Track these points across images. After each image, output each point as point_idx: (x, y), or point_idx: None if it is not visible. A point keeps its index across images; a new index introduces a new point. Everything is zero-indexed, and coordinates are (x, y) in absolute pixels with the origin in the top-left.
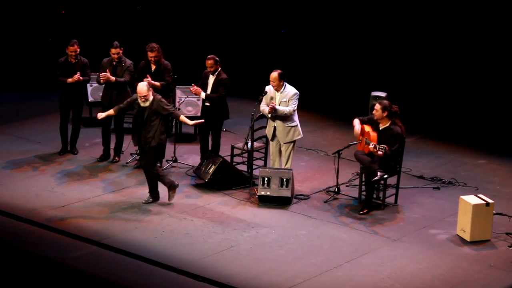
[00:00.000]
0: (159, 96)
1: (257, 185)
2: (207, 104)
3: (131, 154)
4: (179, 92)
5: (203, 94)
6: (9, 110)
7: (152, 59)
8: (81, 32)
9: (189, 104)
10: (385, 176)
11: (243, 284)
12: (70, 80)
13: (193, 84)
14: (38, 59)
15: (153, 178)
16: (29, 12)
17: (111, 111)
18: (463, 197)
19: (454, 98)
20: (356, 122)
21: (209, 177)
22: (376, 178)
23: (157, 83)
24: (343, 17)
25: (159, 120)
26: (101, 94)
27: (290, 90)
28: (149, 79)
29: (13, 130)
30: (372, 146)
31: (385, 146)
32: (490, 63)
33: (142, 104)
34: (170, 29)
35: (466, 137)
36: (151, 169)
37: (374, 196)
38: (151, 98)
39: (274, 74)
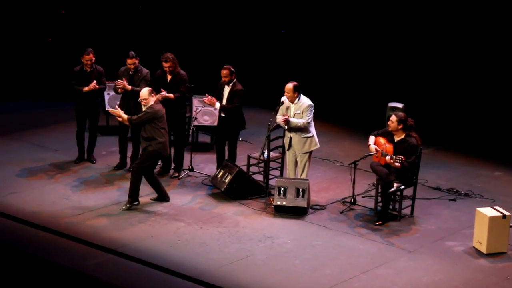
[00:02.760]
0: (156, 108)
1: (273, 195)
2: (223, 114)
3: None
4: (196, 102)
5: (217, 105)
6: (26, 118)
7: (167, 69)
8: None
9: (206, 113)
10: (402, 187)
11: None
12: (86, 88)
13: (207, 95)
14: (53, 66)
15: (136, 182)
16: (29, 12)
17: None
18: (479, 209)
19: (471, 109)
20: (371, 139)
21: (225, 186)
22: (393, 189)
23: (171, 95)
24: (362, 28)
25: (152, 127)
26: (118, 103)
27: (304, 101)
28: (164, 92)
29: (29, 138)
30: (389, 158)
31: (402, 157)
32: (508, 76)
33: (143, 108)
34: (188, 38)
35: (483, 149)
36: (137, 171)
37: (390, 207)
38: (151, 103)
39: (289, 86)
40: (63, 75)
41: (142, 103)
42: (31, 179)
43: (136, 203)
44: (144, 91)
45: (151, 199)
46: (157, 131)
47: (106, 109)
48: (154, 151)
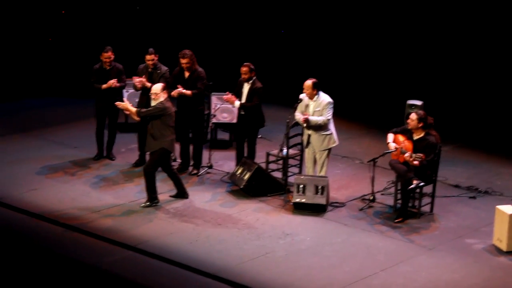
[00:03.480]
0: (167, 105)
1: (292, 192)
2: (242, 112)
3: None
4: (214, 99)
5: (237, 103)
6: (46, 115)
7: (185, 65)
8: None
9: (224, 110)
10: (421, 184)
11: None
12: (105, 86)
13: (227, 92)
14: (72, 64)
15: (150, 181)
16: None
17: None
18: (499, 206)
19: (490, 107)
20: (390, 137)
21: (244, 183)
22: (412, 186)
23: (188, 92)
24: (381, 25)
25: (161, 123)
26: (137, 100)
27: (324, 99)
28: (180, 88)
29: (49, 135)
30: (408, 155)
31: (421, 155)
32: None
33: (151, 103)
34: (207, 36)
35: (503, 147)
36: (147, 170)
37: (410, 204)
38: (161, 99)
39: (308, 83)
40: (83, 73)
41: (152, 97)
42: (50, 176)
43: (156, 201)
44: (157, 86)
45: (170, 196)
46: (166, 128)
47: None
48: (162, 148)
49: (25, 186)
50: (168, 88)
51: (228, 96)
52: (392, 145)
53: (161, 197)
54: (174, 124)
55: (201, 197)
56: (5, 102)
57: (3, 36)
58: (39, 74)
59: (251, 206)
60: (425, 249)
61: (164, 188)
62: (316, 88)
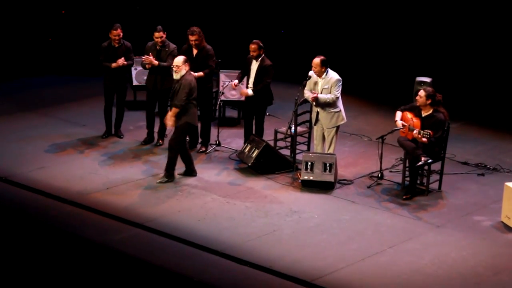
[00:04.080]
0: (189, 78)
1: (300, 169)
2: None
3: None
4: (223, 76)
5: (250, 92)
6: (54, 93)
7: (193, 42)
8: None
9: (232, 88)
10: (429, 161)
11: (285, 268)
12: (114, 65)
13: (235, 83)
14: (80, 42)
15: (174, 157)
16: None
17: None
18: (508, 183)
19: (500, 83)
20: (398, 115)
21: (252, 161)
22: (420, 163)
23: (201, 73)
24: (390, 1)
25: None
26: (145, 78)
27: (332, 76)
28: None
29: (57, 113)
30: (416, 132)
31: (430, 132)
32: None
33: (174, 76)
34: (215, 13)
35: (511, 124)
36: (175, 146)
37: (418, 181)
38: (183, 72)
39: (316, 60)
40: (90, 50)
41: (174, 69)
42: (59, 154)
43: (172, 179)
44: (179, 58)
45: (178, 174)
46: (188, 101)
47: (134, 84)
48: (186, 123)
49: (33, 164)
50: None
51: (242, 91)
52: (400, 123)
53: None
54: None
55: (209, 174)
56: (10, 80)
57: (7, 13)
58: (44, 52)
59: (259, 183)
60: (433, 226)
61: None
62: (325, 65)
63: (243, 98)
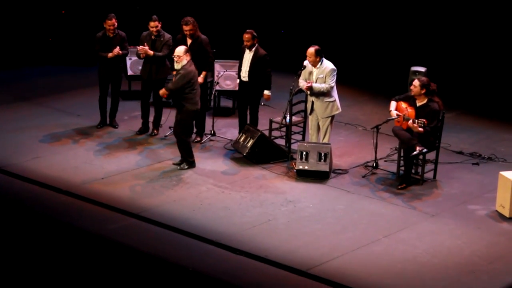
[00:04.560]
0: (189, 69)
1: (295, 159)
2: (245, 79)
3: (170, 127)
4: (217, 66)
5: (267, 92)
6: (49, 83)
7: (187, 32)
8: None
9: (227, 78)
10: (424, 150)
11: (280, 258)
12: (110, 54)
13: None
14: (73, 32)
15: (182, 145)
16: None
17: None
18: (502, 173)
19: (494, 73)
20: (392, 105)
21: (247, 151)
22: (415, 152)
23: (203, 73)
24: None
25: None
26: (140, 67)
27: (327, 66)
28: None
29: (52, 103)
30: (411, 122)
31: (424, 121)
32: None
33: (175, 66)
34: (209, 2)
35: (507, 113)
36: (181, 136)
37: (413, 171)
38: (184, 62)
39: (311, 50)
40: (84, 41)
41: (175, 59)
42: (53, 144)
43: (194, 165)
44: (181, 48)
45: (173, 163)
46: (191, 91)
47: (128, 74)
48: (190, 111)
49: (28, 154)
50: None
51: (265, 96)
52: (394, 113)
53: (164, 164)
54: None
55: (204, 164)
56: (5, 70)
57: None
58: (39, 42)
59: (254, 173)
60: (428, 215)
61: (168, 155)
62: (319, 55)
63: (237, 88)
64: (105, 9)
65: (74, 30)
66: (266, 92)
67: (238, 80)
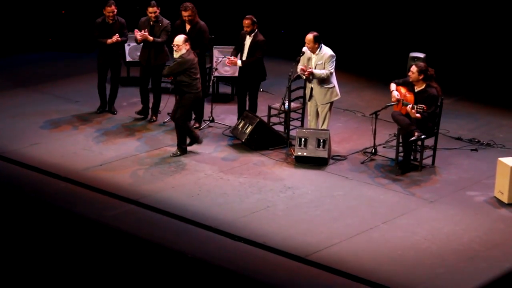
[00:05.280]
0: (188, 57)
1: (294, 145)
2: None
3: (168, 113)
4: (216, 52)
5: (239, 62)
6: (48, 69)
7: (186, 18)
8: None
9: (226, 64)
10: (423, 136)
11: (279, 244)
12: (110, 41)
13: (228, 57)
14: (72, 18)
15: (182, 131)
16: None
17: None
18: (501, 159)
19: (493, 59)
20: (393, 86)
21: (246, 137)
22: (414, 138)
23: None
24: None
25: (187, 76)
26: (139, 53)
27: (326, 52)
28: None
29: (51, 89)
30: (410, 107)
31: (423, 106)
32: None
33: (174, 54)
34: None
35: (505, 99)
36: (182, 124)
37: (412, 157)
38: (183, 52)
39: (309, 37)
40: (83, 27)
41: (174, 49)
42: (52, 130)
43: (186, 152)
44: (180, 37)
45: (172, 155)
46: (192, 79)
47: (127, 60)
48: (190, 99)
49: (26, 140)
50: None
51: (230, 59)
52: (395, 93)
53: (163, 150)
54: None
55: (203, 150)
56: (4, 56)
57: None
58: (36, 28)
59: (252, 159)
60: (427, 201)
61: (167, 141)
62: (318, 41)
63: (236, 74)
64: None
65: (74, 30)
66: (239, 62)
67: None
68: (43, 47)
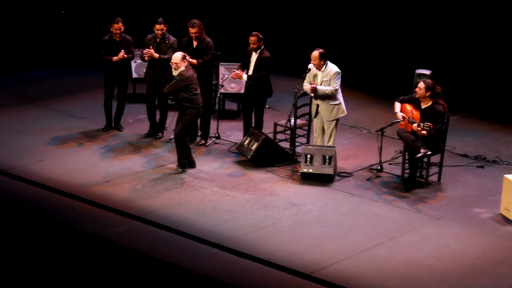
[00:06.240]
0: (187, 74)
1: (300, 162)
2: (250, 82)
3: (174, 130)
4: (222, 69)
5: (244, 76)
6: (54, 86)
7: (193, 35)
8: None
9: (232, 81)
10: (429, 153)
11: (285, 261)
12: (115, 58)
13: (233, 70)
14: (79, 35)
15: (181, 145)
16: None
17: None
18: (507, 176)
19: (499, 76)
20: (397, 106)
21: (252, 154)
22: (420, 155)
23: (194, 61)
24: None
25: (187, 92)
26: (144, 70)
27: (332, 69)
28: (188, 57)
29: (57, 106)
30: (416, 125)
31: (430, 124)
32: None
33: (173, 72)
34: (215, 5)
35: (511, 116)
36: (181, 138)
37: (417, 174)
38: (182, 69)
39: (315, 53)
40: (89, 44)
41: (173, 67)
42: (58, 147)
43: (186, 168)
44: (178, 55)
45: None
46: (193, 95)
47: (133, 77)
48: (192, 114)
49: (32, 157)
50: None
51: (235, 73)
52: (400, 115)
53: (169, 167)
54: (199, 89)
55: (209, 167)
56: (10, 73)
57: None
58: (39, 42)
59: (258, 176)
60: (432, 218)
61: (174, 158)
62: (323, 58)
63: (242, 91)
64: (105, 9)
65: (74, 30)
66: (244, 75)
67: (244, 82)
68: (48, 63)
